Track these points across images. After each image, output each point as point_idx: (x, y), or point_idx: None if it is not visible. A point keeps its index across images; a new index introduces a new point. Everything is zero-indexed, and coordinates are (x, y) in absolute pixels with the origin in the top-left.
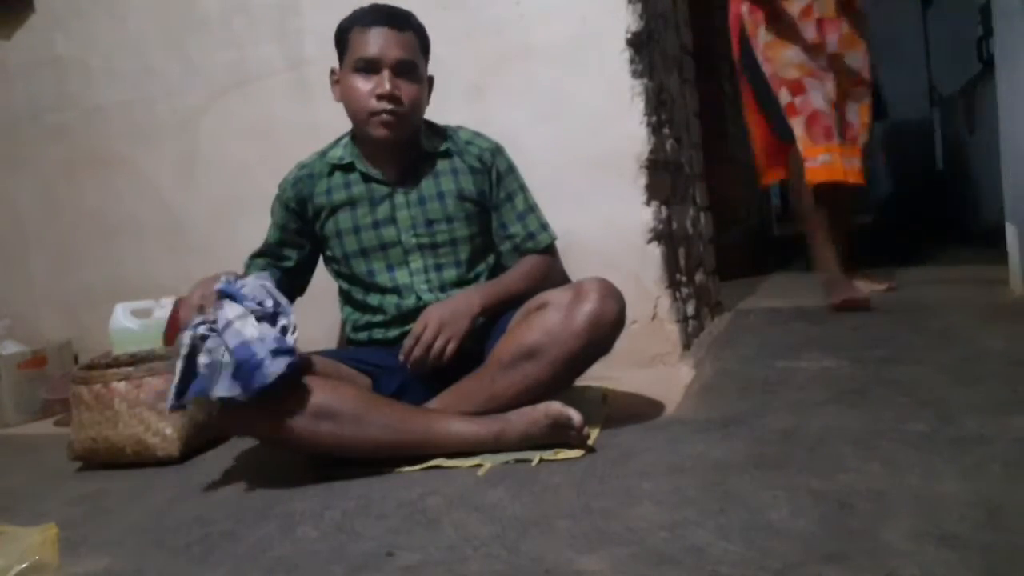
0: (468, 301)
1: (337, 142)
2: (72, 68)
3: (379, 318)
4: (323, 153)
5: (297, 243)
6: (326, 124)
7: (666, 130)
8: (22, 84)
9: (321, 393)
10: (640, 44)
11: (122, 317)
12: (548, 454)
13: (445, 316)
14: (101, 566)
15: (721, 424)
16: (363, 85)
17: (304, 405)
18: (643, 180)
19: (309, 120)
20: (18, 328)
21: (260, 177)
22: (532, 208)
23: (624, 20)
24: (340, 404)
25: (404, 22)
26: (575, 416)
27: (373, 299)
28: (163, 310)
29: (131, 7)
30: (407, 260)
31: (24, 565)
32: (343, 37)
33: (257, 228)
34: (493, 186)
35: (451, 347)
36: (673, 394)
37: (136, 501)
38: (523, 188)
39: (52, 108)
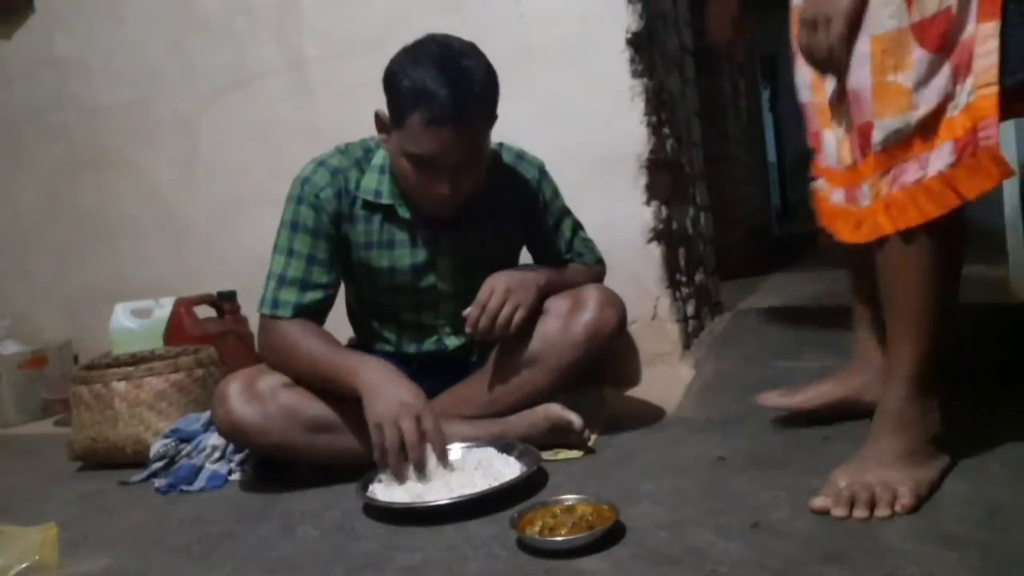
0: (534, 274)
1: (366, 153)
2: (72, 68)
3: (389, 348)
4: (355, 162)
5: (333, 260)
6: (326, 124)
7: (666, 130)
8: (22, 84)
9: (318, 405)
10: (640, 44)
11: (122, 317)
12: (548, 455)
13: (512, 284)
14: (101, 566)
15: (721, 424)
16: (417, 177)
17: (301, 418)
18: (643, 180)
19: (309, 120)
20: (18, 328)
21: (260, 177)
22: (576, 231)
23: (624, 20)
24: (337, 416)
25: (476, 109)
26: (575, 419)
27: (390, 333)
28: (163, 310)
29: (131, 7)
30: (437, 305)
31: (24, 565)
32: (399, 107)
33: (257, 228)
34: (539, 216)
35: (519, 315)
36: (673, 394)
37: (136, 501)
38: (568, 212)
39: (52, 108)
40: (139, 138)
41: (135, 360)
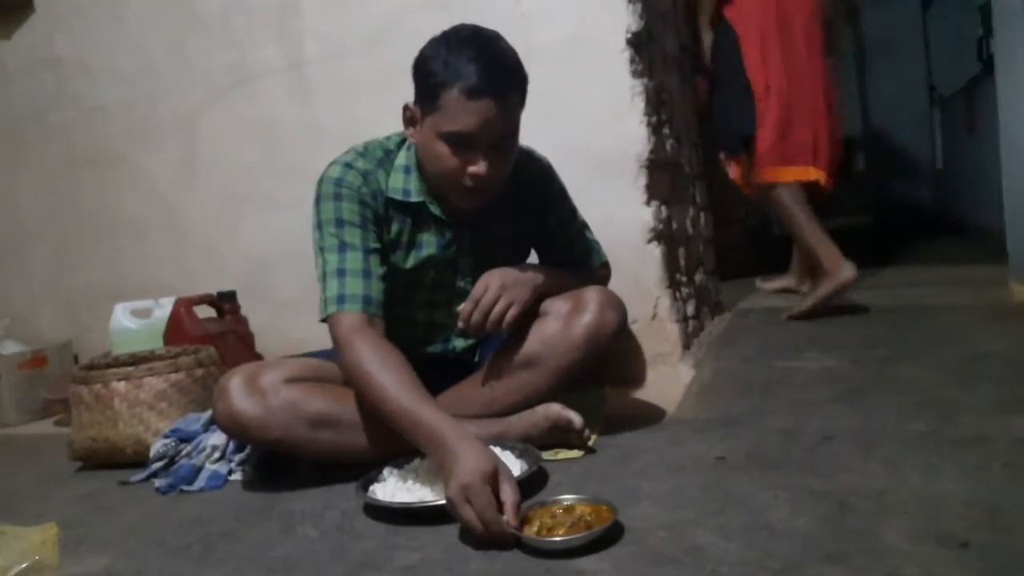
0: (532, 272)
1: (387, 154)
2: (72, 68)
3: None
4: (378, 163)
5: (384, 253)
6: (326, 124)
7: (666, 130)
8: (22, 84)
9: (320, 401)
10: (640, 44)
11: (122, 317)
12: (548, 455)
13: (507, 281)
14: (101, 566)
15: (721, 424)
16: (452, 158)
17: (304, 413)
18: (643, 180)
19: (309, 120)
20: (18, 328)
21: (260, 177)
22: (582, 232)
23: (624, 20)
24: (340, 412)
25: (512, 84)
26: (575, 418)
27: (398, 331)
28: (163, 310)
29: (131, 7)
30: (450, 303)
31: (24, 565)
32: (433, 88)
33: (257, 228)
34: (547, 214)
35: (512, 312)
36: (673, 394)
37: (136, 501)
38: (574, 211)
39: (52, 108)
40: (139, 138)
41: (135, 360)
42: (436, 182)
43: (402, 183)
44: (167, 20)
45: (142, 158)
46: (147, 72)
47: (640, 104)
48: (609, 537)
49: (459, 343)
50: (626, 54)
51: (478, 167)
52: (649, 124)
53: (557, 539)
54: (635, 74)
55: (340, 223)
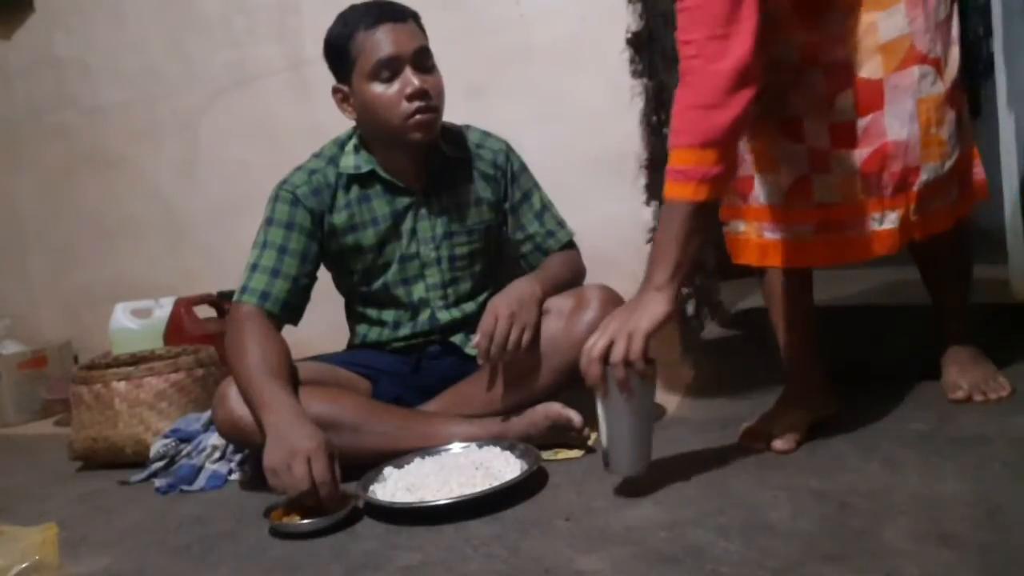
0: (529, 288)
1: (340, 147)
2: (72, 68)
3: (387, 332)
4: (330, 159)
5: (306, 254)
6: (326, 124)
7: (666, 130)
8: (22, 84)
9: (319, 403)
10: (640, 44)
11: (122, 317)
12: (548, 454)
13: (513, 305)
14: (101, 566)
15: (721, 424)
16: (388, 91)
17: None
18: (643, 180)
19: (309, 120)
20: (18, 328)
21: (260, 177)
22: (547, 206)
23: (624, 20)
24: (339, 414)
25: (403, 11)
26: (575, 417)
27: (388, 315)
28: (163, 310)
29: (131, 7)
30: (423, 274)
31: (24, 565)
32: (343, 47)
33: (256, 228)
34: (508, 187)
35: (526, 336)
36: (673, 394)
37: (136, 501)
38: (537, 186)
39: (52, 108)
40: (139, 138)
41: (135, 360)
42: (386, 132)
43: (353, 160)
44: (167, 20)
45: (142, 158)
46: (147, 72)
47: (640, 104)
48: (344, 521)
49: (443, 316)
50: (626, 54)
51: (411, 84)
52: (649, 124)
53: (293, 523)
54: (635, 74)
55: (270, 222)
